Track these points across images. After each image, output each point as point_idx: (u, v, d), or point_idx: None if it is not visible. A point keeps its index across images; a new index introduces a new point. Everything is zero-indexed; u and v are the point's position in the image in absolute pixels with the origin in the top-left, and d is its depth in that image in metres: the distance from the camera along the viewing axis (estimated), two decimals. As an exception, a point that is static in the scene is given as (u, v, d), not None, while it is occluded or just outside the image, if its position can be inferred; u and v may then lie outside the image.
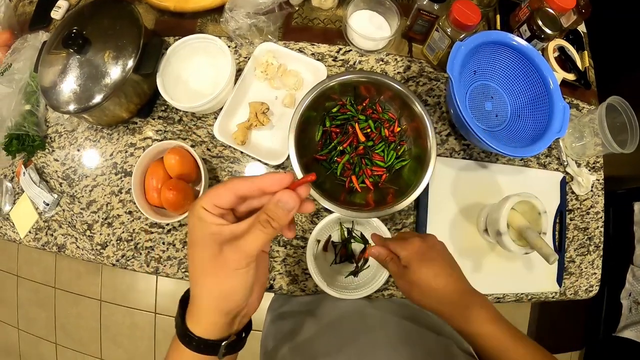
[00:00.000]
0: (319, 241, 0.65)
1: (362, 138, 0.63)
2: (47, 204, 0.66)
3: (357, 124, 0.64)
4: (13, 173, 0.70)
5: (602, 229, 0.75)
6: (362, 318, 0.56)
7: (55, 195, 0.67)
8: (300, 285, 0.65)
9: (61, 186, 0.68)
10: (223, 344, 0.31)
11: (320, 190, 0.57)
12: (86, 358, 1.56)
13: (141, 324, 1.54)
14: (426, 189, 0.68)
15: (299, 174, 0.57)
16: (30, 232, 0.67)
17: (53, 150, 0.69)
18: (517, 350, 0.41)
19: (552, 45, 0.77)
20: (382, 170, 0.64)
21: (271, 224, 0.27)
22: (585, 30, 0.80)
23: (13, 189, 0.69)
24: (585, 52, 0.78)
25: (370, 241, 0.66)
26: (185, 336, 0.31)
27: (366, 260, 0.66)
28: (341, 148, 0.63)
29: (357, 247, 0.66)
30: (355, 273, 0.65)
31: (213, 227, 0.28)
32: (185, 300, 0.32)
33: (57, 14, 0.74)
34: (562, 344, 1.41)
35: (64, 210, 0.68)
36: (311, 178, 0.28)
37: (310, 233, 0.62)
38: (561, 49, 0.77)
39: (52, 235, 0.67)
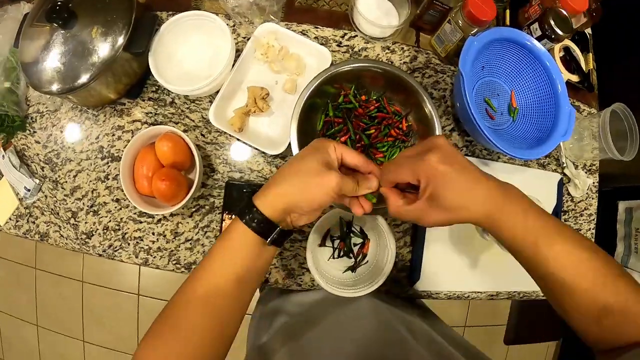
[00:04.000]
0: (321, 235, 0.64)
1: (355, 136, 0.62)
2: (29, 190, 0.61)
3: (350, 123, 0.61)
4: (-12, 154, 0.64)
5: (593, 231, 0.77)
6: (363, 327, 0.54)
7: (37, 181, 0.63)
8: (297, 279, 0.64)
9: (43, 170, 0.63)
10: (279, 228, 0.39)
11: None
12: (68, 340, 1.53)
13: (124, 305, 1.51)
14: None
15: None
16: (10, 219, 0.63)
17: (34, 132, 0.64)
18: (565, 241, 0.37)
19: (558, 45, 0.75)
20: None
21: (362, 182, 0.42)
22: (590, 32, 0.79)
23: (-10, 173, 0.64)
24: (590, 54, 0.77)
25: (370, 236, 0.65)
26: (250, 211, 0.38)
27: (365, 256, 0.64)
28: (341, 140, 0.61)
29: (355, 241, 0.65)
30: (353, 268, 0.64)
31: (333, 157, 0.41)
32: (253, 193, 0.40)
33: (38, -19, 0.67)
34: (539, 335, 1.47)
35: (46, 196, 0.63)
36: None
37: (310, 227, 0.60)
38: (567, 50, 0.76)
39: (33, 222, 0.63)
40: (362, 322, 0.55)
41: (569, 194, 0.75)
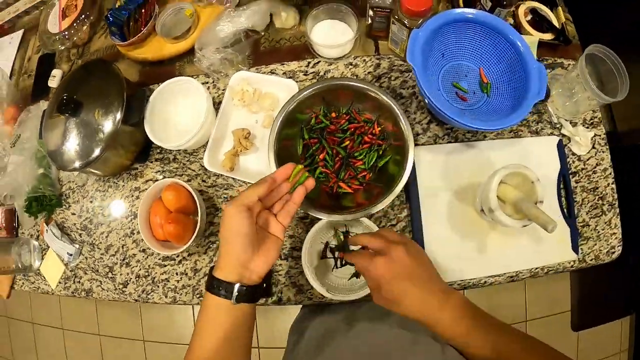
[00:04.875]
0: (320, 249, 0.67)
1: (332, 151, 0.66)
2: (71, 255, 0.73)
3: (325, 141, 0.66)
4: (37, 232, 0.78)
5: (613, 186, 0.71)
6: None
7: (77, 246, 0.74)
8: (307, 294, 0.67)
9: (81, 236, 0.75)
10: (237, 285, 0.43)
11: (306, 199, 0.59)
12: None
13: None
14: (415, 180, 0.68)
15: None
16: (60, 282, 0.75)
17: (69, 206, 0.77)
18: (496, 344, 0.43)
19: (522, 9, 0.75)
20: (364, 171, 0.65)
21: (256, 186, 0.46)
22: (556, -16, 0.78)
23: (40, 246, 0.77)
24: (559, 8, 0.75)
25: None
26: (212, 283, 0.43)
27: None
28: (319, 159, 0.65)
29: (355, 248, 0.67)
30: (357, 274, 0.66)
31: (246, 213, 0.44)
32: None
33: (53, 82, 0.83)
34: (609, 312, 1.30)
35: (86, 257, 0.74)
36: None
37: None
38: (533, 11, 0.75)
39: (79, 282, 0.74)
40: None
41: (573, 154, 0.71)
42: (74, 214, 0.77)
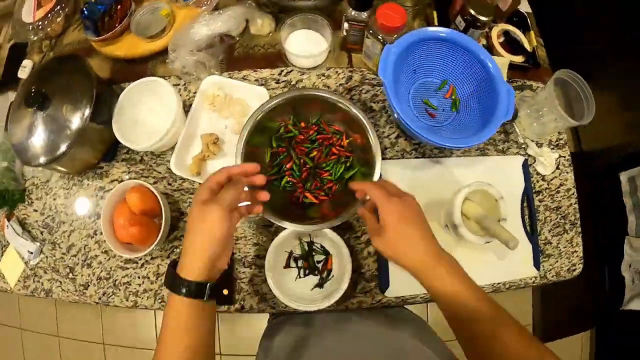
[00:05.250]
0: (284, 258, 0.67)
1: (299, 161, 0.66)
2: (32, 253, 0.71)
3: (293, 150, 0.66)
4: (-3, 228, 0.76)
5: (576, 206, 0.73)
6: None
7: (38, 244, 0.73)
8: (269, 302, 0.67)
9: (42, 234, 0.74)
10: (208, 284, 0.43)
11: (272, 208, 0.59)
12: None
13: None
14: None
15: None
16: (19, 280, 0.73)
17: (32, 202, 0.75)
18: (480, 305, 0.44)
19: (495, 31, 0.76)
20: (331, 183, 0.65)
21: (233, 186, 0.46)
22: (529, 11, 0.80)
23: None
24: (532, 32, 0.77)
25: (331, 251, 0.67)
26: (177, 284, 0.42)
27: (330, 271, 0.67)
28: (285, 168, 0.65)
29: (319, 259, 0.67)
30: (320, 285, 0.66)
31: (205, 194, 0.45)
32: (174, 265, 0.45)
33: (23, 73, 0.81)
34: (570, 326, 1.34)
35: (47, 256, 0.73)
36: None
37: (251, 223, 0.64)
38: (506, 33, 0.77)
39: (39, 281, 0.72)
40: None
41: (538, 173, 0.73)
42: (36, 210, 0.75)
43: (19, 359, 1.70)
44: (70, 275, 0.72)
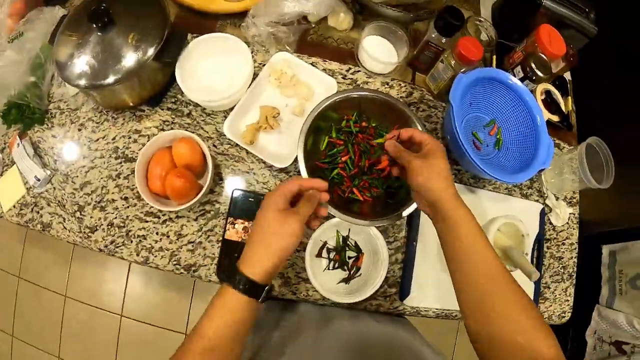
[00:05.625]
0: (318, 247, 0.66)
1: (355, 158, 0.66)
2: (39, 179, 0.63)
3: (352, 145, 0.66)
4: (5, 144, 0.67)
5: (575, 260, 0.81)
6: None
7: (49, 172, 0.65)
8: (292, 288, 0.65)
9: (56, 163, 0.66)
10: (267, 287, 0.43)
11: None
12: (43, 355, 1.43)
13: (105, 325, 1.44)
14: (418, 210, 0.71)
15: (305, 175, 0.59)
16: (14, 206, 0.64)
17: (52, 127, 0.68)
18: (483, 239, 0.47)
19: (540, 88, 0.85)
20: (376, 188, 0.66)
21: (310, 202, 0.47)
22: (570, 78, 0.90)
23: (2, 160, 0.66)
24: (569, 97, 0.87)
25: (364, 250, 0.67)
26: (237, 279, 0.42)
27: (358, 269, 0.67)
28: (340, 160, 0.66)
29: (350, 255, 0.67)
30: (347, 280, 0.66)
31: (281, 202, 0.46)
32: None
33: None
34: None
35: (55, 188, 0.65)
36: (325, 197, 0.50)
37: (308, 238, 0.63)
38: (548, 93, 0.86)
39: (38, 212, 0.64)
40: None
41: (550, 223, 0.80)
42: (54, 136, 0.67)
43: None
44: (78, 215, 0.64)
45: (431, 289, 0.70)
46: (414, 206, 0.61)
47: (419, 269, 0.69)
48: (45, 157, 0.66)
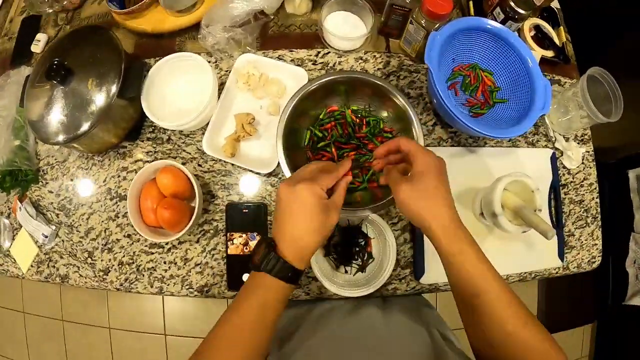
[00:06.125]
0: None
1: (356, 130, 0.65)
2: (46, 236, 0.66)
3: (348, 109, 0.65)
4: (9, 209, 0.70)
5: (597, 200, 0.76)
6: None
7: (53, 227, 0.68)
8: (304, 289, 0.65)
9: (58, 217, 0.69)
10: (303, 272, 0.44)
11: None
12: None
13: (152, 347, 1.54)
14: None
15: (288, 174, 0.59)
16: (32, 266, 0.68)
17: (47, 183, 0.70)
18: (488, 274, 0.43)
19: (527, 24, 0.77)
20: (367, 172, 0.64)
21: (343, 190, 0.48)
22: (558, 7, 0.81)
23: (11, 225, 0.69)
24: (561, 27, 0.79)
25: (370, 234, 0.66)
26: (281, 267, 0.42)
27: (370, 254, 0.66)
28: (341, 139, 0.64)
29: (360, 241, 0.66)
30: (362, 268, 0.65)
31: (320, 193, 0.44)
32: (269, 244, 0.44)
33: (37, 47, 0.75)
34: (573, 319, 1.41)
35: (63, 240, 0.68)
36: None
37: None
38: (537, 28, 0.78)
39: (54, 266, 0.68)
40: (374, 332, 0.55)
41: (564, 167, 0.75)
42: (51, 192, 0.70)
43: (22, 343, 1.62)
44: (89, 260, 0.67)
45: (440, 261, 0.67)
46: None
47: (430, 244, 0.67)
48: (47, 213, 0.69)
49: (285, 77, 0.70)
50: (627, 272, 1.06)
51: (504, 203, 0.65)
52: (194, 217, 0.61)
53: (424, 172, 0.44)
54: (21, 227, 0.68)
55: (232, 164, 0.68)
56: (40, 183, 0.70)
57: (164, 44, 0.73)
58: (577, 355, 1.53)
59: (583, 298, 1.31)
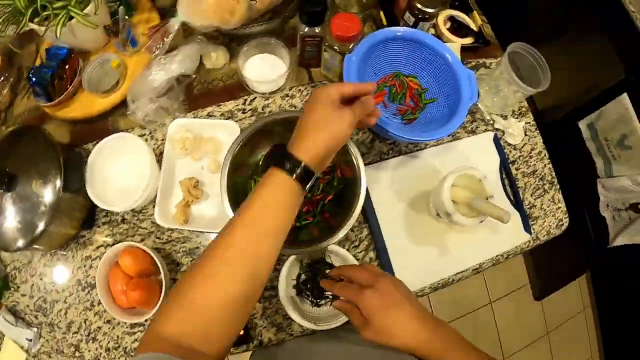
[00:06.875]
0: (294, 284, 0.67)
1: None
2: (30, 340, 0.68)
3: None
4: (-12, 322, 0.72)
5: (550, 166, 0.77)
6: None
7: (35, 329, 0.69)
8: (287, 331, 0.67)
9: (37, 318, 0.70)
10: (315, 175, 0.44)
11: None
12: None
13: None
14: (369, 200, 0.69)
15: None
16: (23, 372, 0.69)
17: (18, 287, 0.71)
18: None
19: (441, 18, 0.79)
20: (319, 198, 0.66)
21: (364, 105, 0.48)
22: (467, -9, 0.83)
23: (-6, 337, 0.71)
24: (475, 12, 0.80)
25: (335, 262, 0.67)
26: (290, 163, 0.42)
27: (341, 280, 0.67)
28: None
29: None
30: (336, 296, 0.66)
31: (335, 97, 0.45)
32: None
33: (-26, 156, 0.76)
34: (566, 276, 1.42)
35: (47, 340, 0.69)
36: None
37: (278, 280, 0.64)
38: (452, 19, 0.80)
39: (45, 368, 0.69)
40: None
41: (509, 144, 0.76)
42: (24, 295, 0.71)
43: None
44: (77, 354, 0.69)
45: (416, 270, 0.69)
46: (360, 201, 0.59)
47: (395, 258, 0.68)
48: (26, 316, 0.70)
49: (220, 133, 0.71)
50: (604, 217, 1.08)
51: (455, 199, 0.66)
52: (163, 291, 0.63)
53: (369, 317, 0.45)
54: (4, 336, 0.69)
55: (189, 230, 0.69)
56: (12, 288, 0.71)
57: (97, 126, 0.75)
58: (580, 307, 1.55)
59: (569, 255, 1.33)
